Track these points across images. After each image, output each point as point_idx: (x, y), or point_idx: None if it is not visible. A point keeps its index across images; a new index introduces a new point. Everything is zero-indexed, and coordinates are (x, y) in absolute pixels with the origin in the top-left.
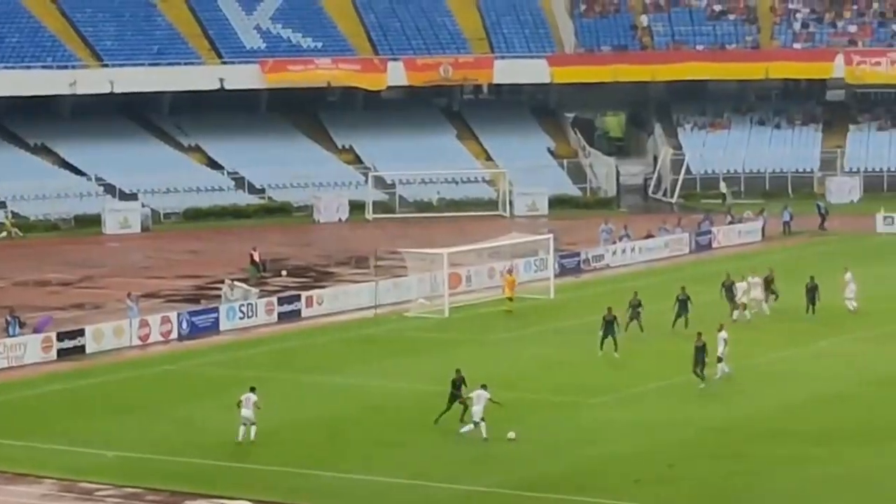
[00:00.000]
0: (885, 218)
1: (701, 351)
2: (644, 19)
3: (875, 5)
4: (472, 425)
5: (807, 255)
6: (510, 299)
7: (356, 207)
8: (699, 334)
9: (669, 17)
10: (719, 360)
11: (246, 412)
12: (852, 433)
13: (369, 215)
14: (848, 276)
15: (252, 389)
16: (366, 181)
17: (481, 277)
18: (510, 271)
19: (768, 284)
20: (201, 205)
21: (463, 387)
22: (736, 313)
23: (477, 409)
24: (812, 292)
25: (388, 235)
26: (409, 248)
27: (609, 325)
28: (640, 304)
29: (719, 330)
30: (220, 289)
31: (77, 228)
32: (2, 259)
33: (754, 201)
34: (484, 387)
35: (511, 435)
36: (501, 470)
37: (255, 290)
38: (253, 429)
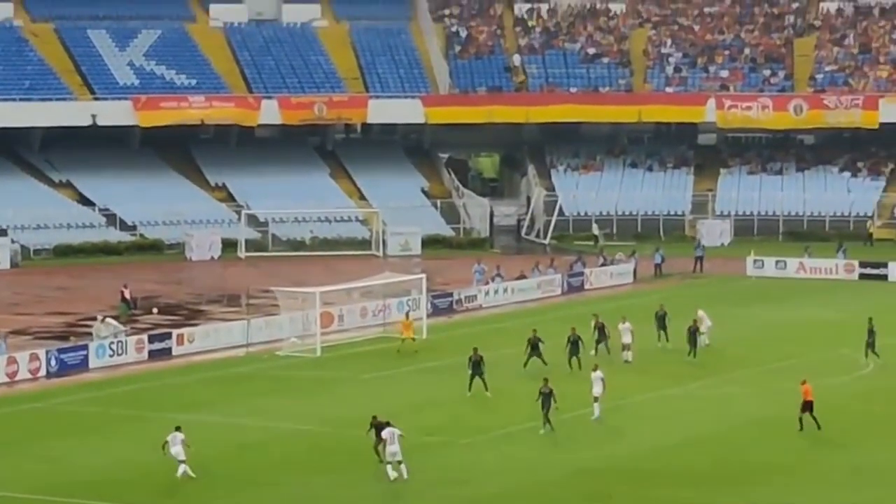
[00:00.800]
0: (755, 261)
1: (548, 397)
2: (517, 59)
3: (746, 51)
4: (391, 470)
5: (678, 297)
6: (412, 339)
7: (229, 245)
8: (545, 380)
9: (544, 59)
10: (595, 399)
11: (175, 449)
12: (722, 475)
13: (242, 253)
14: (700, 313)
15: (178, 429)
16: (239, 219)
17: (354, 317)
18: (407, 314)
19: (662, 321)
20: (72, 241)
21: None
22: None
23: (393, 449)
24: (693, 334)
25: (261, 274)
26: (282, 286)
27: (476, 364)
28: (538, 340)
29: (594, 369)
30: (89, 326)
31: None
32: None
33: (626, 243)
34: (389, 423)
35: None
36: None
37: (124, 328)
38: (182, 467)
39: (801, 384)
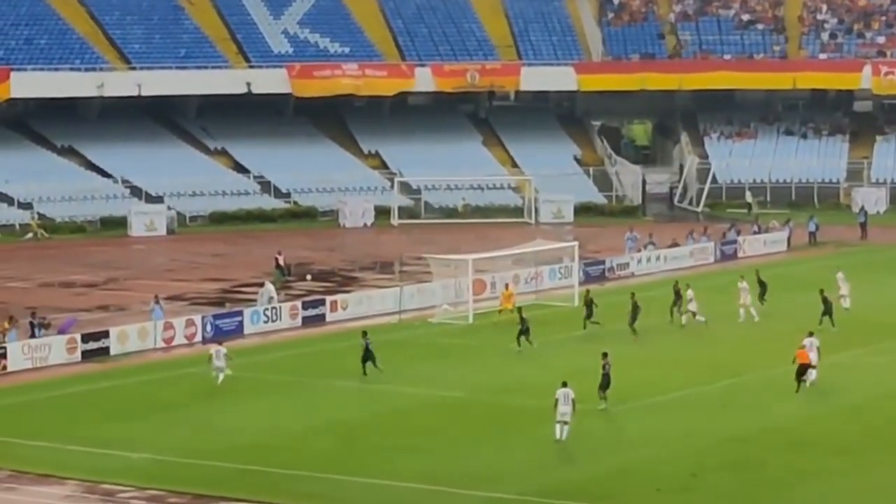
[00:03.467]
0: None
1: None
2: (672, 27)
3: None
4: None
5: (833, 266)
6: (509, 310)
7: (381, 213)
8: (604, 354)
9: (697, 25)
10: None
11: (217, 363)
12: (875, 444)
13: (394, 221)
14: (840, 275)
15: (220, 343)
16: (391, 186)
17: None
18: (507, 286)
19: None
20: (227, 208)
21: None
22: (685, 318)
23: (565, 409)
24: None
25: (413, 241)
26: (434, 253)
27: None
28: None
29: (809, 335)
30: (244, 293)
31: (103, 230)
32: (28, 260)
33: (780, 211)
34: (565, 384)
35: None
36: (523, 477)
37: (275, 296)
38: (221, 375)
39: (799, 348)
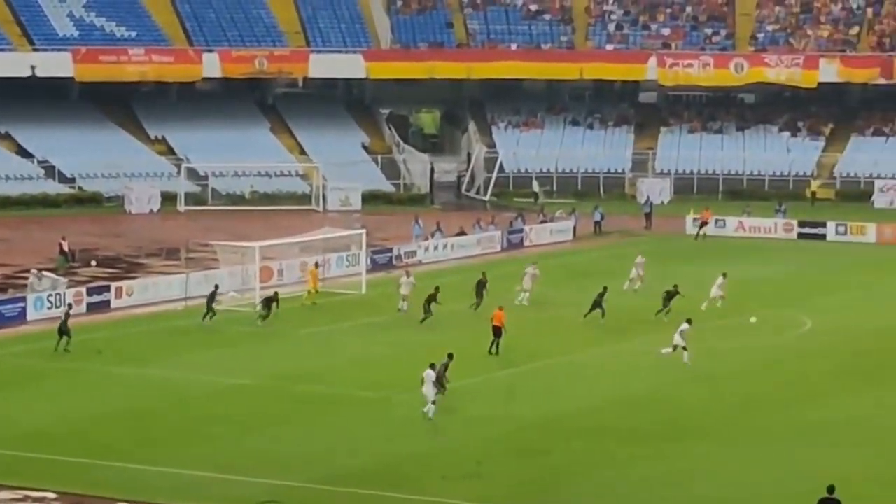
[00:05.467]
0: (694, 220)
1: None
2: (461, 16)
3: (688, 9)
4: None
5: (618, 255)
6: (315, 291)
7: (168, 199)
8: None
9: (485, 15)
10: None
11: None
12: (663, 431)
13: (181, 207)
14: (639, 259)
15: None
16: (178, 172)
17: (293, 271)
18: (316, 265)
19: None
20: (10, 193)
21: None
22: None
23: (425, 390)
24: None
25: (200, 228)
26: (222, 240)
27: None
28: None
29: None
30: (27, 278)
31: None
32: None
33: (566, 200)
34: (433, 366)
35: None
36: (310, 465)
37: (63, 280)
38: None
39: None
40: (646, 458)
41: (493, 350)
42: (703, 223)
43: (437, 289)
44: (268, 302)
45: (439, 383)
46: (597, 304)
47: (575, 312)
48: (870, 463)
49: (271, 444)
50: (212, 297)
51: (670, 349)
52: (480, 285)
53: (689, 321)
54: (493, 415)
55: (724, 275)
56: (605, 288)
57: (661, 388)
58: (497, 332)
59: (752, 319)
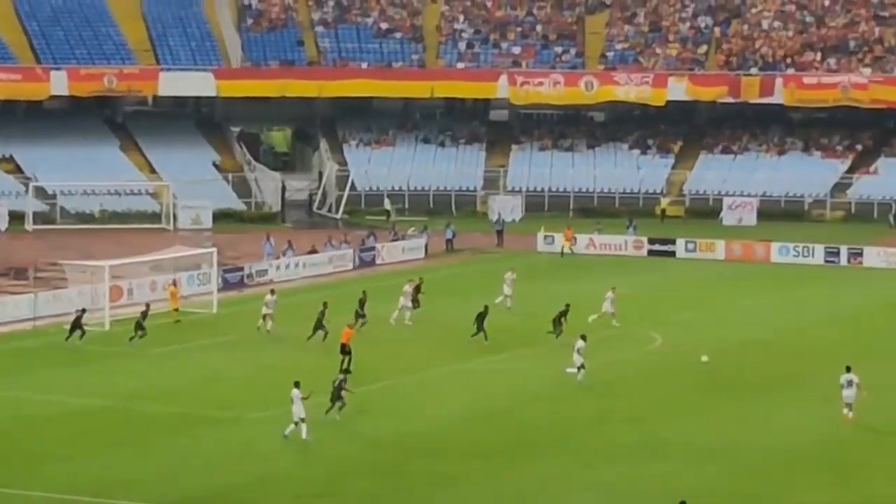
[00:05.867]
0: (545, 237)
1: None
2: (311, 34)
3: (539, 28)
4: (293, 425)
5: (469, 273)
6: (176, 310)
7: (16, 217)
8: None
9: (336, 33)
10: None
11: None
12: (512, 449)
13: (29, 226)
14: (508, 275)
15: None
16: (26, 191)
17: (143, 290)
18: (174, 283)
19: (416, 293)
20: None
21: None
22: (260, 323)
23: (295, 409)
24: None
25: (49, 247)
26: (71, 259)
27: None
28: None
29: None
30: None
31: None
32: None
33: (418, 218)
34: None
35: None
36: (161, 485)
37: None
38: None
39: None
40: (497, 475)
41: (346, 366)
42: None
43: (325, 304)
44: (143, 317)
45: (338, 397)
46: (480, 324)
47: (425, 330)
48: (719, 478)
49: (122, 465)
50: (76, 322)
51: (574, 369)
52: (361, 303)
53: (583, 337)
54: (346, 433)
55: (614, 289)
56: (487, 307)
57: (514, 406)
58: (344, 349)
59: (704, 358)
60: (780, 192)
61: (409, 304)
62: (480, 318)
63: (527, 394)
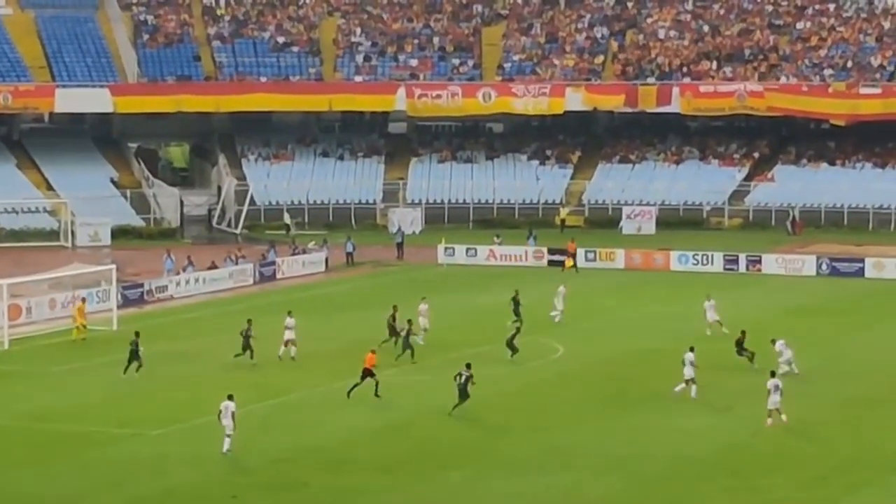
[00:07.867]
0: (446, 249)
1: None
2: (208, 49)
3: (436, 40)
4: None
5: (370, 286)
6: (84, 326)
7: None
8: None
9: (233, 48)
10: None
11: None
12: (416, 462)
13: None
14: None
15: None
16: None
17: (42, 309)
18: (83, 300)
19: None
20: None
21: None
22: (282, 350)
23: (225, 422)
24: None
25: None
26: None
27: (133, 353)
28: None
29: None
30: None
31: None
32: None
33: (318, 232)
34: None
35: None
36: (66, 500)
37: None
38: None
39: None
40: (400, 488)
41: (375, 392)
42: (571, 255)
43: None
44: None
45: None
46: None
47: (326, 345)
48: (624, 488)
49: (23, 486)
50: None
51: (683, 385)
52: (390, 322)
53: (692, 349)
54: (249, 447)
55: (708, 296)
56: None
57: (416, 418)
58: (368, 373)
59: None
60: (679, 201)
61: (427, 324)
62: (511, 339)
63: (430, 407)
